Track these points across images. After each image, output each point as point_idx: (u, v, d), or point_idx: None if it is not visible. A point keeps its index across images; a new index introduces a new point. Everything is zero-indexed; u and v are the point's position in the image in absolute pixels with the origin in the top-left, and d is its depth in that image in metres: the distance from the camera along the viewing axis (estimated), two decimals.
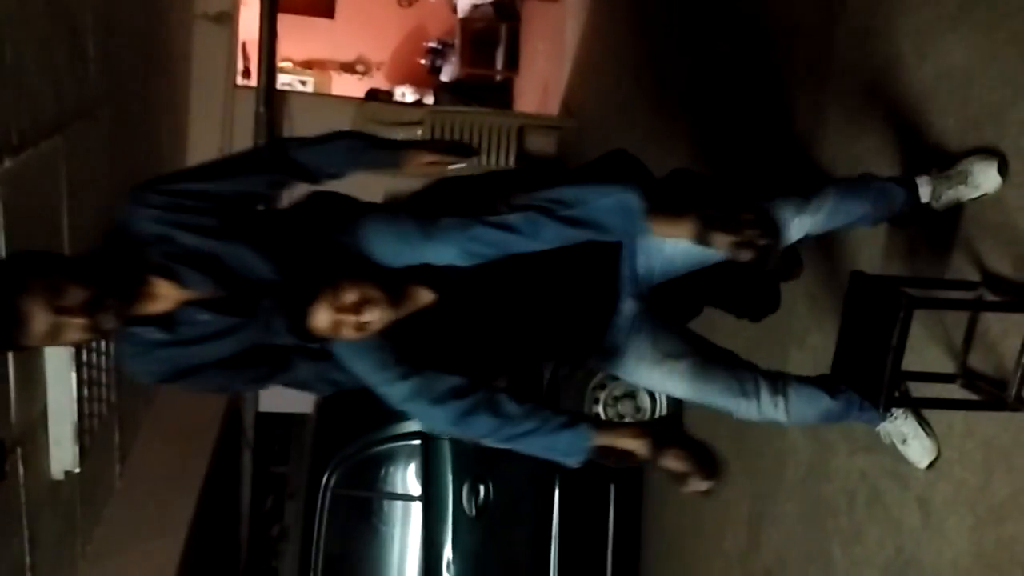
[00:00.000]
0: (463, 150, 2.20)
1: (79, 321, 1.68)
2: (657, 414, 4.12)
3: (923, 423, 2.34)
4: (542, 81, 8.24)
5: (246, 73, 7.79)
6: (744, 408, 2.20)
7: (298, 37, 9.73)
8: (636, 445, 1.82)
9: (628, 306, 2.12)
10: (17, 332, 1.66)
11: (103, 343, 3.63)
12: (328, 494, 4.35)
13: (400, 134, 5.92)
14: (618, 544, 4.32)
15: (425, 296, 1.93)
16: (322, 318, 1.77)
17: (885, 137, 2.62)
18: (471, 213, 1.88)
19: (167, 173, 1.96)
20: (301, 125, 6.29)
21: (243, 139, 6.18)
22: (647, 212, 1.84)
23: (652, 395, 4.13)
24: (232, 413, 6.11)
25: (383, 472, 4.35)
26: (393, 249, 1.87)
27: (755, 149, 3.53)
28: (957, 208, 2.25)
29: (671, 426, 1.87)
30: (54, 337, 1.70)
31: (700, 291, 2.40)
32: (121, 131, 4.20)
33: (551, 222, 1.84)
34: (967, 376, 2.18)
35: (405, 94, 10.26)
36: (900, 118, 2.55)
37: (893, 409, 2.32)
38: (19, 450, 3.04)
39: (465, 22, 9.70)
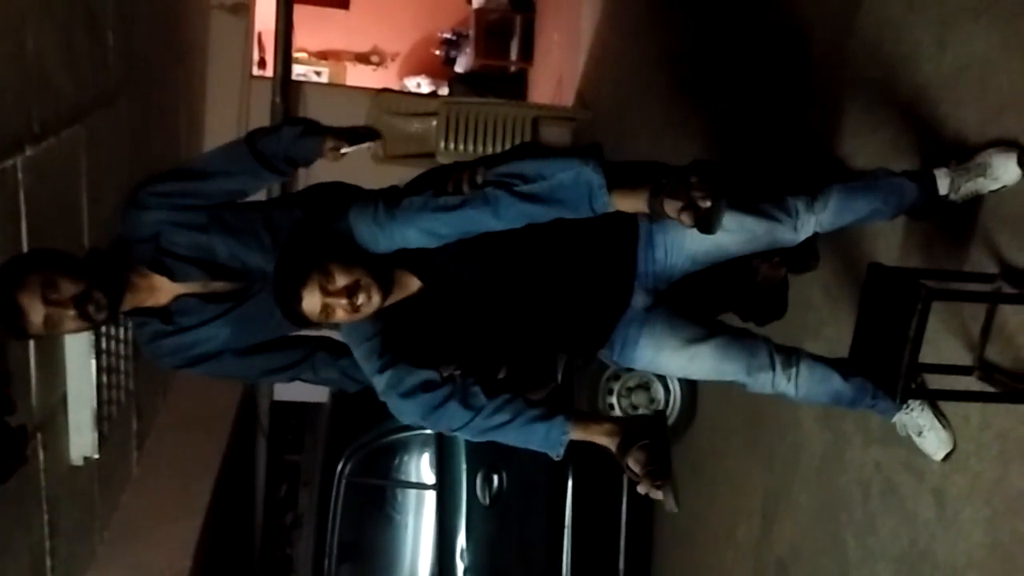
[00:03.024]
0: (357, 136, 2.25)
1: (70, 312, 1.87)
2: (671, 404, 4.12)
3: (939, 415, 2.34)
4: (557, 72, 8.22)
5: (262, 64, 7.81)
6: (760, 382, 2.20)
7: (313, 28, 9.74)
8: (608, 442, 1.84)
9: (640, 299, 2.13)
10: (20, 323, 1.85)
11: (123, 331, 3.67)
12: (342, 482, 4.38)
13: (415, 125, 5.92)
14: (631, 533, 4.32)
15: (412, 282, 1.95)
16: (312, 301, 1.81)
17: (903, 129, 2.61)
18: (432, 194, 1.89)
19: (160, 172, 2.11)
20: (316, 115, 6.23)
21: None
22: (606, 186, 1.83)
23: (666, 385, 4.14)
24: (248, 401, 6.15)
25: (397, 461, 4.38)
26: (370, 233, 1.90)
27: (771, 141, 3.52)
28: (976, 200, 2.25)
29: (653, 423, 1.86)
30: (51, 327, 1.89)
31: (713, 292, 2.40)
32: (140, 120, 4.23)
33: (508, 197, 1.84)
34: (984, 368, 2.17)
35: (420, 85, 10.25)
36: (919, 109, 2.54)
37: (909, 401, 2.32)
38: (39, 436, 3.07)
39: (480, 13, 9.67)
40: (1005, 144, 2.18)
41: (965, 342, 2.28)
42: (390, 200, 1.91)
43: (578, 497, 4.22)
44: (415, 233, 1.88)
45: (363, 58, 10.56)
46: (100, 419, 3.47)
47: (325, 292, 1.80)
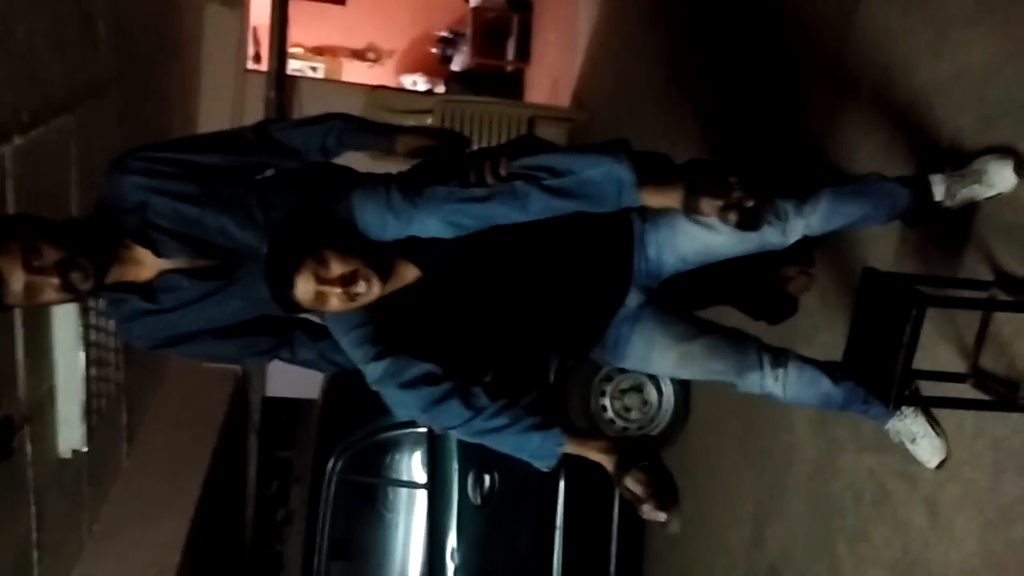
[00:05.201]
0: (456, 139, 2.15)
1: (53, 280, 1.74)
2: (664, 406, 4.11)
3: (933, 422, 2.33)
4: (553, 72, 8.21)
5: (257, 58, 7.78)
6: (749, 381, 2.19)
7: (309, 23, 9.71)
8: (604, 460, 1.81)
9: (633, 298, 2.11)
10: None
11: (112, 323, 3.65)
12: (334, 479, 4.36)
13: (411, 122, 5.90)
14: (622, 536, 4.31)
15: (410, 272, 1.90)
16: (305, 288, 1.75)
17: (898, 134, 2.61)
18: (457, 184, 1.85)
19: (149, 143, 1.97)
20: (311, 110, 6.22)
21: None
22: (637, 183, 1.82)
23: (659, 387, 4.12)
24: (239, 397, 6.12)
25: (389, 459, 4.36)
26: (380, 219, 1.84)
27: (767, 144, 3.51)
28: (971, 207, 2.24)
29: (646, 445, 1.83)
30: (31, 296, 1.76)
31: (711, 287, 2.39)
32: (131, 112, 4.20)
33: (537, 191, 1.81)
34: (978, 376, 2.17)
35: (416, 82, 10.23)
36: (915, 115, 2.54)
37: (903, 407, 2.32)
38: (27, 428, 3.05)
39: (477, 11, 9.65)
40: (1001, 151, 2.17)
41: (959, 349, 2.27)
42: (406, 186, 1.86)
43: (570, 499, 4.21)
44: (436, 222, 1.83)
45: (359, 54, 10.53)
46: (89, 412, 3.45)
47: (320, 280, 1.74)
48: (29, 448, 3.07)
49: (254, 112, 6.16)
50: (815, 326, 2.97)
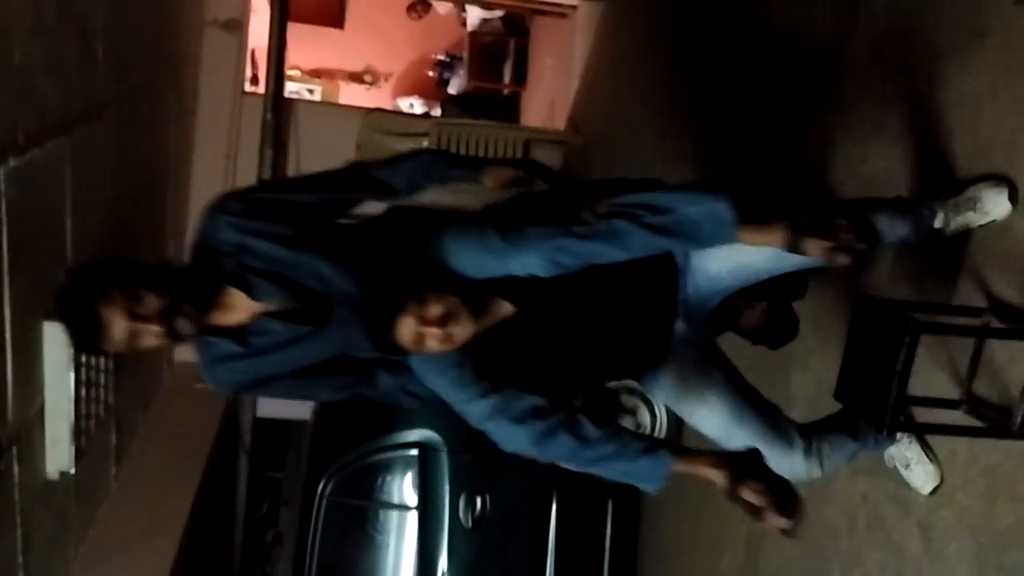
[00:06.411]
0: (541, 170, 2.12)
1: (156, 328, 1.73)
2: (657, 431, 4.10)
3: (927, 448, 2.33)
4: (549, 96, 8.25)
5: (254, 80, 7.81)
6: (774, 459, 2.12)
7: (307, 46, 9.75)
8: (714, 475, 1.78)
9: (679, 327, 2.11)
10: (98, 337, 1.72)
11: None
12: (324, 501, 4.33)
13: (407, 145, 5.92)
14: (614, 561, 4.29)
15: (506, 309, 1.90)
16: (407, 330, 1.76)
17: (894, 161, 2.62)
18: (556, 223, 1.84)
19: (247, 186, 1.97)
20: (308, 133, 6.29)
21: (250, 145, 6.19)
22: (737, 222, 1.81)
23: (652, 410, 4.11)
24: (230, 417, 6.09)
25: (379, 481, 4.33)
26: (477, 260, 1.85)
27: (763, 170, 3.53)
28: (965, 234, 2.24)
29: (751, 457, 1.82)
30: (132, 343, 1.75)
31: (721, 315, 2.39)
32: (128, 134, 4.20)
33: (638, 229, 1.80)
34: (972, 403, 2.16)
35: (413, 105, 10.27)
36: (910, 143, 2.55)
37: (897, 433, 2.31)
38: (14, 449, 3.02)
39: (474, 36, 9.72)
40: (995, 178, 2.18)
41: (953, 375, 2.27)
42: (502, 226, 1.86)
43: (562, 522, 4.19)
44: (538, 261, 1.83)
45: (356, 77, 10.57)
46: (78, 433, 3.41)
47: (420, 320, 1.75)
48: (16, 469, 3.04)
49: (251, 134, 6.18)
50: (808, 350, 2.97)
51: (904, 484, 2.37)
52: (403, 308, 1.75)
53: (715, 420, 2.16)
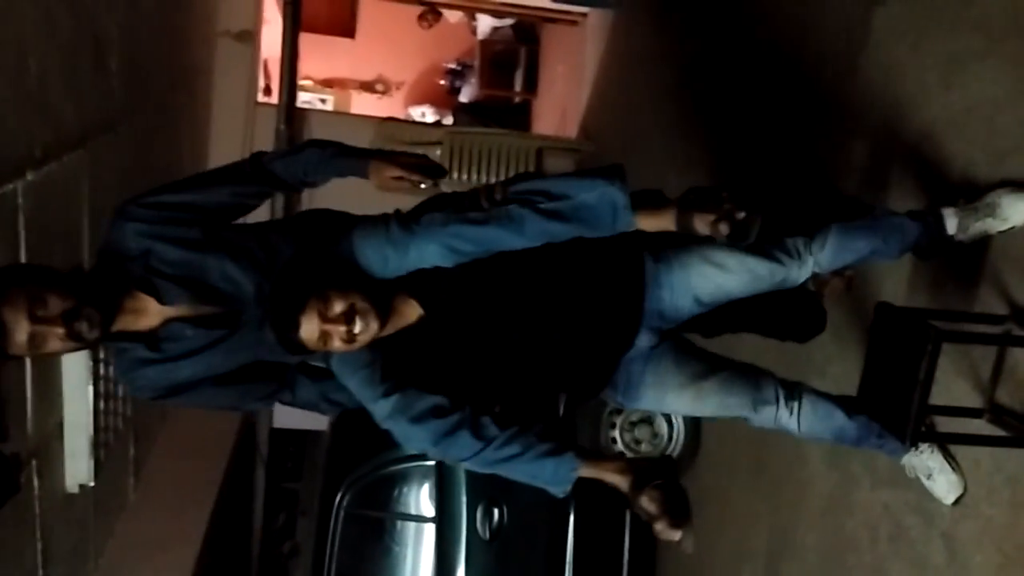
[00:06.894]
0: (433, 170, 2.11)
1: (58, 330, 1.70)
2: (675, 439, 4.08)
3: (949, 458, 2.30)
4: (560, 104, 8.25)
5: (267, 90, 7.84)
6: (763, 416, 2.19)
7: (319, 56, 9.79)
8: (619, 480, 1.81)
9: (644, 339, 2.10)
10: (1, 341, 1.68)
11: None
12: (341, 513, 4.33)
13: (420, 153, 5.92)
14: (633, 573, 4.26)
15: (411, 310, 1.90)
16: (310, 328, 1.75)
17: (911, 168, 2.60)
18: (454, 211, 1.86)
19: (152, 188, 1.95)
20: None
21: None
22: (630, 206, 1.84)
23: (669, 420, 4.10)
24: (247, 429, 6.10)
25: (397, 492, 4.32)
26: (380, 254, 1.86)
27: (774, 176, 3.51)
28: (984, 241, 2.22)
29: (658, 465, 1.83)
30: (35, 346, 1.72)
31: (729, 317, 2.37)
32: (143, 146, 4.23)
33: (533, 214, 1.82)
34: (994, 412, 2.14)
35: (425, 114, 10.29)
36: (926, 149, 2.53)
37: (919, 443, 2.29)
38: (34, 462, 3.04)
39: (485, 44, 9.73)
40: (1014, 184, 2.16)
41: (975, 384, 2.25)
42: (405, 219, 1.88)
43: (580, 533, 4.17)
44: (436, 248, 1.84)
45: (368, 86, 10.60)
46: (96, 446, 3.43)
47: (323, 319, 1.74)
48: (36, 483, 3.05)
49: (264, 144, 6.18)
50: (827, 358, 2.95)
51: (927, 494, 2.35)
52: (305, 306, 1.74)
53: (711, 403, 2.17)
